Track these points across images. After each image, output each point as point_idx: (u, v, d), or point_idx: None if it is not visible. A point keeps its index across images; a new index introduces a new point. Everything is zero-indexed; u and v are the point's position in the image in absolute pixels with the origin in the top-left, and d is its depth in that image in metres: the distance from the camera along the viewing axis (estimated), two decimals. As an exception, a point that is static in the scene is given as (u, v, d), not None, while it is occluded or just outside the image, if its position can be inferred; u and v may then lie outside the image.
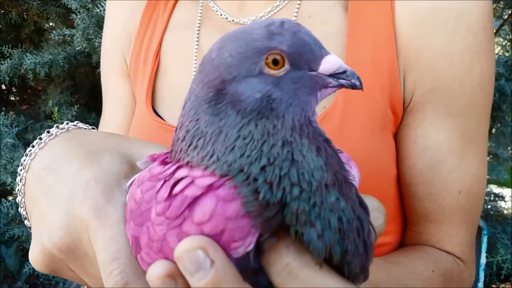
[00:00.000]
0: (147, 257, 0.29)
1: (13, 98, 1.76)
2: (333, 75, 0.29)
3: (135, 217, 0.30)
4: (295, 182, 0.26)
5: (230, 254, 0.26)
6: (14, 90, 1.75)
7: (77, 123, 0.42)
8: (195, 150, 0.28)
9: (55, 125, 0.40)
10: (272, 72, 0.28)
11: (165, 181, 0.28)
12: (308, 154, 0.27)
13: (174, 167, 0.28)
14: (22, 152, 1.32)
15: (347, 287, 0.27)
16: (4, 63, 1.37)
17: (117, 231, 0.32)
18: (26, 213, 0.40)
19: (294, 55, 0.28)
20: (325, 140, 0.29)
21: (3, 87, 1.71)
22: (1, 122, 1.32)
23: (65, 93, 1.49)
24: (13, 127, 1.38)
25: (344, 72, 0.29)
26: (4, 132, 1.32)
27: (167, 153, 0.31)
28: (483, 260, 1.02)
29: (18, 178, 0.39)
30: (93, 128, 0.44)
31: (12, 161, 1.32)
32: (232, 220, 0.26)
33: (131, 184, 0.34)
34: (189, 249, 0.26)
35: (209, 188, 0.26)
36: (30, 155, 0.39)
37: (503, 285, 1.56)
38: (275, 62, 0.28)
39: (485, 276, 1.31)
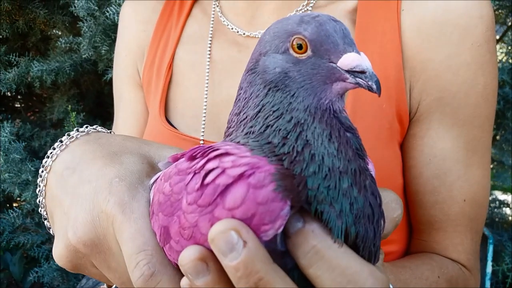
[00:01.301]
0: (176, 245, 0.30)
1: (19, 106, 1.78)
2: (352, 72, 0.30)
3: (164, 208, 0.31)
4: (308, 161, 0.29)
5: (260, 237, 0.27)
6: (20, 98, 1.76)
7: (96, 127, 0.43)
8: (236, 114, 0.34)
9: (75, 129, 0.41)
10: (295, 54, 0.32)
11: (195, 173, 0.30)
12: (320, 139, 0.30)
13: (204, 160, 0.30)
14: (29, 165, 1.32)
15: (369, 268, 0.29)
16: (11, 71, 1.38)
17: (143, 224, 0.33)
18: (47, 214, 0.40)
19: (315, 43, 0.31)
20: (347, 129, 0.31)
21: (9, 94, 1.72)
22: (8, 131, 1.33)
23: (71, 100, 1.50)
24: (20, 138, 1.39)
25: (364, 72, 0.30)
26: (11, 148, 1.33)
27: (192, 149, 0.32)
28: (489, 269, 1.02)
29: (39, 180, 0.40)
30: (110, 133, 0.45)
31: (19, 174, 1.33)
32: (262, 204, 0.27)
33: (154, 182, 0.35)
34: (223, 230, 0.27)
35: (240, 176, 0.28)
36: (52, 156, 0.40)
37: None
38: (300, 47, 0.31)
39: (491, 285, 1.30)
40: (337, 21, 0.32)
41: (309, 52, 0.31)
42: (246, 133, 0.33)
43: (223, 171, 0.28)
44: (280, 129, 0.31)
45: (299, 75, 0.31)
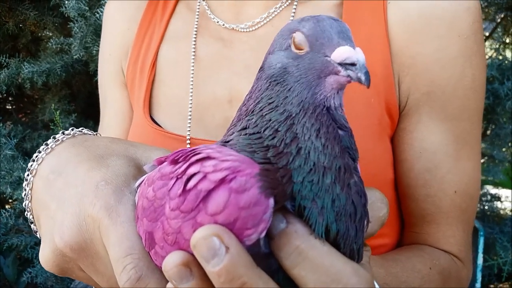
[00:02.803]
0: (161, 251, 0.30)
1: (10, 107, 1.76)
2: (343, 65, 0.31)
3: (148, 213, 0.32)
4: (294, 154, 0.29)
5: (243, 241, 0.28)
6: (11, 100, 1.75)
7: (82, 129, 0.43)
8: (240, 109, 0.35)
9: (61, 131, 0.41)
10: (295, 50, 0.33)
11: (178, 178, 0.30)
12: (308, 133, 0.30)
13: (185, 165, 0.30)
14: (21, 163, 1.32)
15: (353, 266, 0.29)
16: (2, 72, 1.37)
17: (129, 228, 0.33)
18: (33, 217, 0.40)
19: (311, 38, 0.32)
20: (340, 127, 0.32)
21: (0, 96, 1.71)
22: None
23: (63, 101, 1.49)
24: (11, 137, 1.38)
25: (354, 64, 0.30)
26: (2, 144, 1.32)
27: (175, 153, 0.33)
28: (480, 260, 1.04)
29: (24, 183, 0.40)
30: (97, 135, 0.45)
31: (11, 172, 1.32)
32: (245, 209, 0.27)
33: (139, 185, 0.35)
34: (205, 236, 0.27)
35: (222, 181, 0.28)
36: (37, 160, 0.39)
37: (501, 285, 1.57)
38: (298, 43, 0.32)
39: (484, 276, 1.32)
40: (337, 20, 0.32)
41: (307, 48, 0.32)
42: (243, 128, 0.33)
43: (204, 176, 0.28)
44: (272, 121, 0.31)
45: (296, 70, 0.32)
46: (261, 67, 0.36)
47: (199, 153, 0.30)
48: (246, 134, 0.32)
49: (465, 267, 0.61)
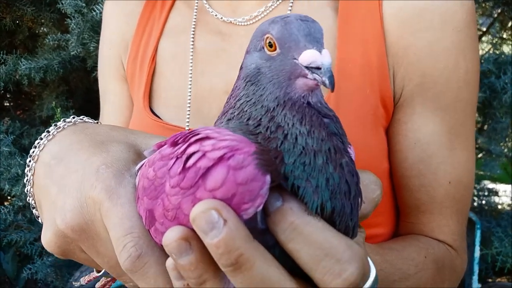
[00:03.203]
0: (161, 227, 0.31)
1: (8, 104, 1.77)
2: (310, 68, 0.32)
3: (148, 192, 0.32)
4: (282, 139, 0.31)
5: (241, 215, 0.29)
6: (9, 96, 1.75)
7: (83, 117, 0.43)
8: (224, 105, 0.37)
9: (62, 119, 0.42)
10: (268, 52, 0.34)
11: (177, 158, 0.31)
12: (291, 122, 0.31)
13: (185, 145, 0.31)
14: (19, 159, 1.32)
15: (347, 241, 0.30)
16: (-1, 69, 1.38)
17: (129, 209, 0.33)
18: (35, 202, 0.41)
19: (280, 41, 0.33)
20: (325, 115, 0.33)
21: (-2, 93, 1.72)
22: (-3, 129, 1.33)
23: (61, 98, 1.49)
24: (9, 133, 1.39)
25: (319, 68, 0.31)
26: (0, 140, 1.32)
27: (174, 136, 0.34)
28: (477, 253, 1.04)
29: (26, 169, 0.41)
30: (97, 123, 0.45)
31: (9, 168, 1.33)
32: (242, 185, 0.28)
33: (139, 168, 0.36)
34: (204, 210, 0.28)
35: (220, 159, 0.29)
36: (39, 146, 0.40)
37: (499, 279, 1.58)
38: (270, 45, 0.34)
39: (481, 270, 1.33)
40: (306, 21, 0.33)
41: (278, 50, 0.33)
42: (228, 119, 0.35)
43: (203, 155, 0.29)
44: (254, 114, 0.33)
45: (269, 71, 0.34)
46: (241, 66, 0.37)
47: (198, 134, 0.31)
48: (233, 124, 0.34)
49: (459, 257, 0.62)
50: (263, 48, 0.34)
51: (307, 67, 0.31)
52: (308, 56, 0.31)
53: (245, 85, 0.35)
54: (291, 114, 0.32)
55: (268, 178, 0.29)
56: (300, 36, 0.32)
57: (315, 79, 0.31)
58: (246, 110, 0.34)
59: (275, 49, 0.34)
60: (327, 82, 0.30)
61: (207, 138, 0.30)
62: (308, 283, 0.31)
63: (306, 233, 0.29)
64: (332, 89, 0.30)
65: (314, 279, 0.30)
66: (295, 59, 0.32)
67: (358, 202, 0.32)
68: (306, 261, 0.29)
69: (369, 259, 0.32)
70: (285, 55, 0.33)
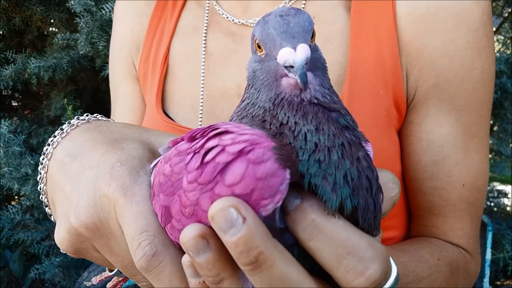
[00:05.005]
0: (178, 224, 0.31)
1: (16, 104, 1.77)
2: (287, 67, 0.31)
3: (165, 189, 0.32)
4: (291, 136, 0.30)
5: (259, 212, 0.28)
6: (17, 96, 1.76)
7: (97, 115, 0.43)
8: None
9: (76, 117, 0.42)
10: (259, 54, 0.34)
11: (195, 153, 0.30)
12: (293, 119, 0.31)
13: (204, 140, 0.30)
14: (28, 158, 1.32)
15: (369, 239, 0.29)
16: (8, 68, 1.38)
17: (144, 207, 0.33)
18: (48, 200, 0.41)
19: (262, 42, 0.33)
20: (330, 110, 0.32)
21: (6, 93, 1.72)
22: (6, 128, 1.33)
23: (69, 97, 1.50)
24: (18, 133, 1.39)
25: (292, 67, 0.30)
26: (10, 139, 1.33)
27: (192, 131, 0.33)
28: (488, 255, 1.03)
29: (40, 167, 0.40)
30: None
31: (18, 167, 1.33)
32: (262, 180, 0.27)
33: (154, 165, 0.36)
34: (223, 208, 0.27)
35: (240, 153, 0.28)
36: (53, 144, 0.40)
37: (508, 282, 1.56)
38: (259, 46, 0.34)
39: (490, 273, 1.31)
40: (286, 15, 0.32)
41: (264, 51, 0.34)
42: (241, 119, 0.35)
43: (223, 149, 0.29)
44: (256, 114, 0.33)
45: (261, 73, 0.34)
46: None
47: (217, 128, 0.31)
48: (245, 121, 0.34)
49: (473, 260, 0.61)
50: (256, 50, 0.35)
51: (285, 66, 0.31)
52: (281, 55, 0.31)
53: (247, 88, 0.36)
54: (291, 113, 0.31)
55: (288, 173, 0.28)
56: (276, 35, 0.32)
57: (294, 78, 0.31)
58: (249, 110, 0.34)
59: (262, 51, 0.34)
60: (298, 80, 0.30)
61: (226, 132, 0.30)
62: (327, 283, 0.30)
63: (327, 231, 0.28)
64: (305, 88, 0.30)
65: (336, 278, 0.29)
66: (276, 59, 0.32)
67: (380, 198, 0.31)
68: (328, 260, 0.29)
69: (390, 258, 0.31)
70: (269, 56, 0.33)
